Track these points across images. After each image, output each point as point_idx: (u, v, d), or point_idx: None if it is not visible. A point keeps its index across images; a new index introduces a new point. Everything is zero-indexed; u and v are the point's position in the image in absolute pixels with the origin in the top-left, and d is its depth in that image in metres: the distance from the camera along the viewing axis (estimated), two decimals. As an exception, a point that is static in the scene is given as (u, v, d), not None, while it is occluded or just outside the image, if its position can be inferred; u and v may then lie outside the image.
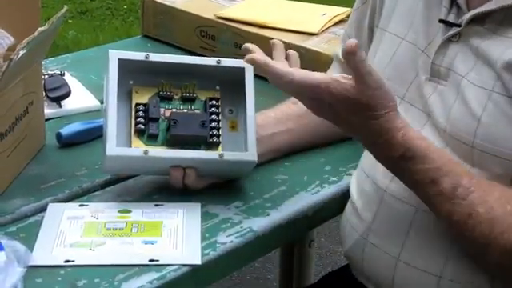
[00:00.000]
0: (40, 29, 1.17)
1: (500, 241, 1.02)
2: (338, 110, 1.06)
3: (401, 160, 1.06)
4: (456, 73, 1.12)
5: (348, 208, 1.26)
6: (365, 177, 1.23)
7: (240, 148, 1.22)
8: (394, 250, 1.16)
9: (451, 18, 1.14)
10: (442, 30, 1.15)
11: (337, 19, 1.71)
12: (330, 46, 1.59)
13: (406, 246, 1.15)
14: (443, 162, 1.07)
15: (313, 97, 1.07)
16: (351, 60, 1.02)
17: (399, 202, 1.15)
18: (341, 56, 1.39)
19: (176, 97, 1.24)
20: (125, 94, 1.22)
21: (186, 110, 1.24)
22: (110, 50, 1.21)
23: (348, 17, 1.71)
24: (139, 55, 1.23)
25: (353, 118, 1.06)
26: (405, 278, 1.15)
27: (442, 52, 1.14)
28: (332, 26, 1.69)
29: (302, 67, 1.57)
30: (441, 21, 1.14)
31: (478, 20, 1.11)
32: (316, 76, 1.06)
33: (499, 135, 1.06)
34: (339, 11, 1.74)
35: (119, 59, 1.20)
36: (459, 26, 1.12)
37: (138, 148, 1.19)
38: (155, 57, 1.23)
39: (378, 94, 1.04)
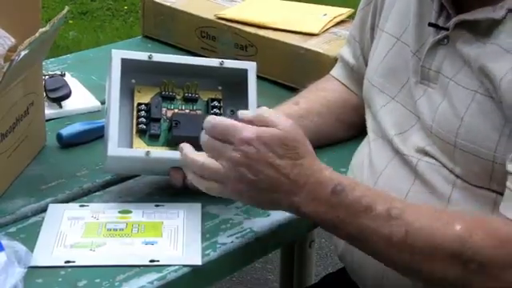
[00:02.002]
0: (41, 30, 1.17)
1: (442, 249, 1.02)
2: (271, 164, 1.05)
3: (333, 196, 1.05)
4: (444, 75, 1.13)
5: None
6: (352, 177, 1.24)
7: (241, 149, 1.22)
8: None
9: (441, 22, 1.15)
10: (432, 34, 1.15)
11: (337, 20, 1.71)
12: (331, 46, 1.59)
13: None
14: (372, 190, 1.10)
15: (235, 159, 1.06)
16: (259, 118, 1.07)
17: None
18: (346, 56, 1.40)
19: (178, 97, 1.24)
20: (127, 92, 1.22)
21: (187, 111, 1.24)
22: (112, 50, 1.21)
23: (349, 17, 1.73)
24: (142, 55, 1.22)
25: (281, 162, 1.05)
26: (394, 280, 1.15)
27: (431, 55, 1.15)
28: (332, 26, 1.69)
29: (303, 68, 1.59)
30: (430, 24, 1.15)
31: (464, 25, 1.12)
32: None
33: (479, 135, 1.07)
34: (340, 12, 1.74)
35: (122, 59, 1.20)
36: (447, 29, 1.13)
37: (139, 149, 1.19)
38: (158, 57, 1.23)
39: (300, 133, 1.08)
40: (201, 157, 1.09)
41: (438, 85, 1.14)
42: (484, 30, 1.10)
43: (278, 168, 1.06)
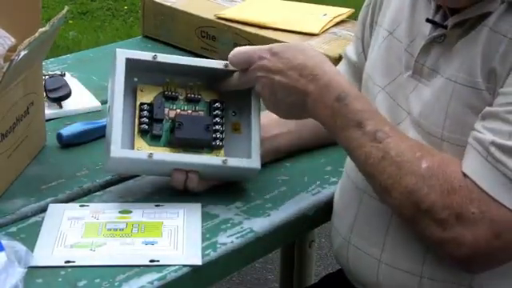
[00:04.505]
0: (41, 29, 1.17)
1: (403, 182, 1.07)
2: (281, 69, 1.17)
3: (335, 102, 1.14)
4: (438, 73, 1.14)
5: (333, 210, 1.27)
6: (346, 177, 1.25)
7: (243, 151, 1.22)
8: (375, 251, 1.17)
9: (437, 19, 1.15)
10: (429, 30, 1.16)
11: (337, 20, 1.71)
12: (331, 46, 1.59)
13: (386, 247, 1.16)
14: (369, 107, 1.15)
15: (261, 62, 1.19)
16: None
17: (377, 203, 1.16)
18: (349, 54, 1.41)
19: (181, 97, 1.24)
20: (128, 91, 1.21)
21: (190, 111, 1.23)
22: (117, 49, 1.21)
23: (349, 17, 1.73)
24: (146, 55, 1.22)
25: (300, 58, 1.17)
26: (388, 279, 1.16)
27: (426, 51, 1.16)
28: (332, 26, 1.69)
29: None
30: (428, 20, 1.16)
31: (459, 23, 1.13)
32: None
33: (465, 126, 1.08)
34: (340, 12, 1.74)
35: (127, 59, 1.20)
36: (445, 27, 1.13)
37: (142, 151, 1.18)
38: (163, 57, 1.22)
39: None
40: None
41: (431, 82, 1.15)
42: (477, 22, 1.10)
43: (290, 72, 1.17)
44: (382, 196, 1.11)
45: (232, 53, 1.23)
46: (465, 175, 1.05)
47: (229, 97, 1.25)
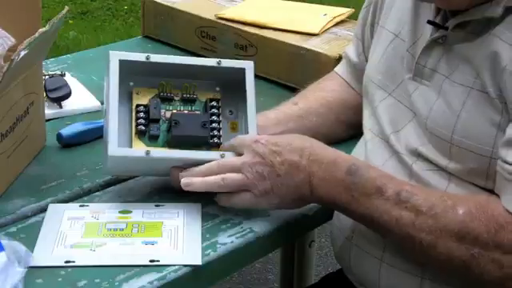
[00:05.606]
0: (41, 29, 1.17)
1: (445, 233, 1.05)
2: (281, 152, 1.13)
3: (348, 175, 1.10)
4: (440, 74, 1.14)
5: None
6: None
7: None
8: (377, 252, 1.18)
9: (438, 20, 1.15)
10: (430, 31, 1.16)
11: (337, 20, 1.71)
12: (331, 46, 1.59)
13: (388, 247, 1.17)
14: (382, 172, 1.13)
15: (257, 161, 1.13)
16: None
17: None
18: (349, 54, 1.41)
19: (176, 98, 1.24)
20: (125, 95, 1.22)
21: (186, 111, 1.24)
22: (110, 51, 1.21)
23: (349, 17, 1.73)
24: (140, 56, 1.22)
25: (297, 145, 1.13)
26: (390, 279, 1.17)
27: (427, 53, 1.16)
28: (332, 26, 1.69)
29: (303, 68, 1.58)
30: (429, 22, 1.16)
31: (461, 24, 1.13)
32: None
33: (476, 131, 1.08)
34: (340, 12, 1.74)
35: (120, 60, 1.20)
36: (446, 28, 1.13)
37: (139, 149, 1.19)
38: (156, 57, 1.23)
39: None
40: (218, 176, 1.14)
41: (432, 82, 1.15)
42: (481, 27, 1.10)
43: (290, 155, 1.13)
44: (427, 253, 1.08)
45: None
46: (507, 211, 1.04)
47: (225, 95, 1.25)
